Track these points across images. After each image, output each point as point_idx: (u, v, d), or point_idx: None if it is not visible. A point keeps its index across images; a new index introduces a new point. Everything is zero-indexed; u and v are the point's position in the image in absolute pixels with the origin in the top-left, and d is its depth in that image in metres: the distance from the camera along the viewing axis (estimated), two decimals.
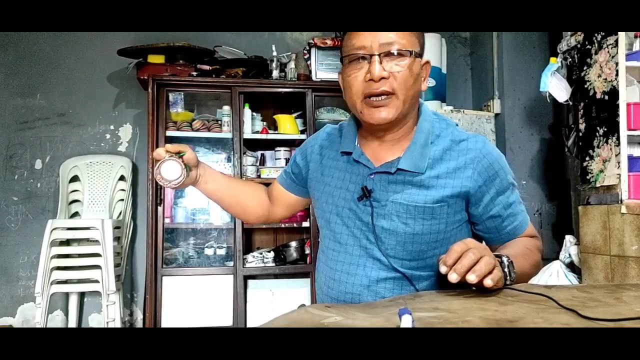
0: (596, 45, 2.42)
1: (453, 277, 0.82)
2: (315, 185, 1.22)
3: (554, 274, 2.55)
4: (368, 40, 1.00)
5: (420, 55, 1.05)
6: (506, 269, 0.89)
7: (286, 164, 3.16)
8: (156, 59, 3.04)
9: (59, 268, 2.84)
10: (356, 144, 1.15)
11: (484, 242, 1.15)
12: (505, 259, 0.90)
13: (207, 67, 3.08)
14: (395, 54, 1.00)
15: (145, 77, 2.97)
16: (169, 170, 1.11)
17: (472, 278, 0.81)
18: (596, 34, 2.42)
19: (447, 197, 1.04)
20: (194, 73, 3.07)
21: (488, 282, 0.82)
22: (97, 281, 2.83)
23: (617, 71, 2.29)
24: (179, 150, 1.15)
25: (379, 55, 1.00)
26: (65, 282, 2.89)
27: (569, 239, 2.63)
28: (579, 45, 2.55)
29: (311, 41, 3.16)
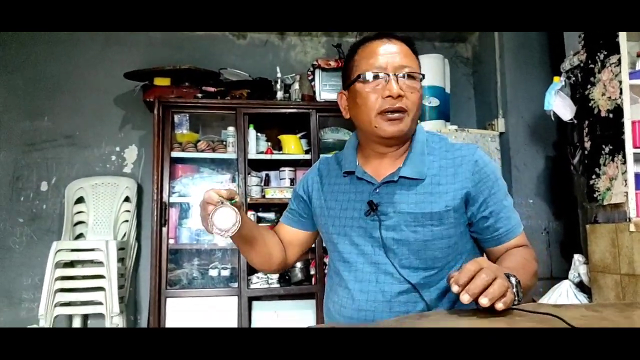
0: (599, 64, 2.43)
1: (465, 299, 0.81)
2: (320, 211, 1.24)
3: (564, 294, 2.51)
4: (384, 61, 1.09)
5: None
6: (514, 290, 0.87)
7: (290, 184, 3.20)
8: (162, 81, 3.08)
9: (62, 290, 2.82)
10: (357, 163, 1.19)
11: (485, 255, 1.17)
12: (513, 280, 0.88)
13: (212, 89, 3.12)
14: (415, 77, 1.10)
15: (152, 99, 3.01)
16: (222, 219, 1.01)
17: (484, 302, 0.80)
18: (599, 53, 2.43)
19: (452, 200, 1.08)
20: (199, 95, 3.10)
21: (500, 306, 0.80)
22: (100, 303, 2.81)
23: (620, 89, 2.29)
24: (232, 196, 1.05)
25: (396, 75, 1.08)
26: (69, 304, 2.87)
27: (577, 257, 2.59)
28: (582, 64, 2.56)
29: (315, 62, 3.19)
